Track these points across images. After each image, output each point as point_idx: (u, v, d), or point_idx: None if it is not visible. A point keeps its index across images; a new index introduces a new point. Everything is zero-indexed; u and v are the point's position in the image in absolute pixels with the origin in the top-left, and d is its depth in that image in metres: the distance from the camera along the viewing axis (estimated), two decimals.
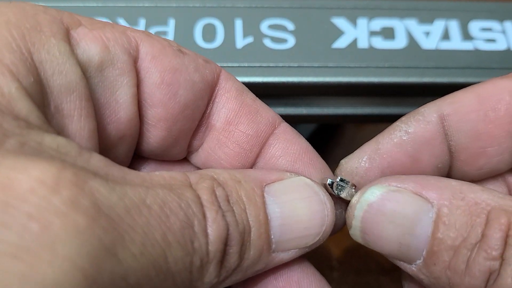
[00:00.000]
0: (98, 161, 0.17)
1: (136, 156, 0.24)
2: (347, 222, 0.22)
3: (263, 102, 0.24)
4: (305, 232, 0.21)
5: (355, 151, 0.23)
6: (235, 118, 0.23)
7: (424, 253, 0.20)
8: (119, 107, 0.21)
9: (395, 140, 0.23)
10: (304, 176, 0.21)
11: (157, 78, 0.21)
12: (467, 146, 0.23)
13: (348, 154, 0.23)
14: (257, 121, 0.23)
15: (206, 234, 0.18)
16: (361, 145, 0.24)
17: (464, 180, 0.21)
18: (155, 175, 0.18)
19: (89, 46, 0.20)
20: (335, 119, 0.36)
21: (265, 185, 0.20)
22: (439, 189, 0.20)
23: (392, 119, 0.25)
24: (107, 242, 0.15)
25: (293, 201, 0.21)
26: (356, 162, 0.23)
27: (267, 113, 0.23)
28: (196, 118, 0.23)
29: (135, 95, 0.21)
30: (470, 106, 0.23)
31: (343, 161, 0.23)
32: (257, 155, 0.23)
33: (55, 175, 0.15)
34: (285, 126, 0.24)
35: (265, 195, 0.20)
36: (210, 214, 0.18)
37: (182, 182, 0.18)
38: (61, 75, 0.19)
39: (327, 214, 0.21)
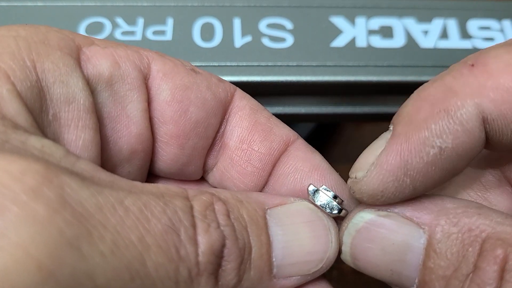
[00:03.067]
0: (85, 165, 0.17)
1: (154, 176, 0.24)
2: (339, 246, 0.20)
3: (279, 120, 0.24)
4: (308, 257, 0.20)
5: (369, 162, 0.19)
6: (248, 136, 0.23)
7: (416, 281, 0.19)
8: (130, 121, 0.21)
9: (428, 159, 0.18)
10: (308, 201, 0.21)
11: (168, 95, 0.22)
12: (508, 144, 0.19)
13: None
14: (270, 140, 0.23)
15: (195, 243, 0.17)
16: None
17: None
18: (149, 184, 0.18)
19: (100, 61, 0.20)
20: (334, 118, 0.36)
21: (267, 209, 0.20)
22: (432, 213, 0.19)
23: (390, 118, 0.24)
24: (69, 235, 0.14)
25: (296, 225, 0.20)
26: (382, 184, 0.19)
27: (280, 131, 0.23)
28: (210, 136, 0.23)
29: (145, 110, 0.22)
30: None
31: (361, 179, 0.19)
32: (270, 174, 0.23)
33: (23, 166, 0.14)
34: (299, 143, 0.23)
35: (267, 217, 0.20)
36: (202, 224, 0.17)
37: (177, 193, 0.18)
38: (62, 85, 0.19)
39: (331, 240, 0.20)
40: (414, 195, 0.19)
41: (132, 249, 0.15)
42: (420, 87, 0.20)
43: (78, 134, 0.19)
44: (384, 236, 0.19)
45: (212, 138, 0.23)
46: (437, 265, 0.18)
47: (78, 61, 0.20)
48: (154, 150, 0.23)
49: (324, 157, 0.23)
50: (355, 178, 0.19)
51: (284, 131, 0.23)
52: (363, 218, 0.20)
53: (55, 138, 0.19)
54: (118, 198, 0.16)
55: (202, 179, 0.25)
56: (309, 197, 0.21)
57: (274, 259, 0.19)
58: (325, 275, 0.21)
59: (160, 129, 0.22)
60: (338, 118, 0.36)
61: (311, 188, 0.21)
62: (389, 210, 0.19)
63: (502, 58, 0.18)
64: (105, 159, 0.21)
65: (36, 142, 0.16)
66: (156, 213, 0.16)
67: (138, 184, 0.17)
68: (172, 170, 0.23)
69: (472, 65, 0.19)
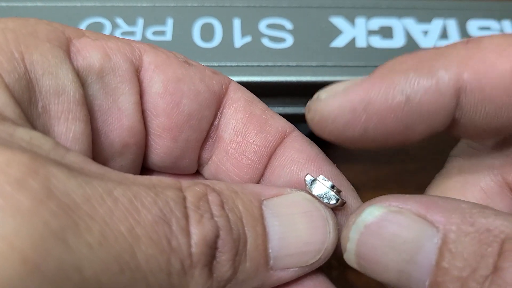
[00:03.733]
0: (74, 157, 0.16)
1: (148, 170, 0.24)
2: (342, 244, 0.19)
3: (274, 112, 0.23)
4: (305, 248, 0.19)
5: (338, 90, 0.19)
6: (243, 129, 0.23)
7: (426, 283, 0.18)
8: (121, 114, 0.21)
9: (392, 104, 0.18)
10: (305, 191, 0.20)
11: (160, 88, 0.21)
12: (480, 126, 0.19)
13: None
14: (265, 131, 0.22)
15: (187, 234, 0.17)
16: None
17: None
18: (141, 176, 0.17)
19: (90, 53, 0.20)
20: None
21: (264, 200, 0.19)
22: (446, 212, 0.18)
23: None
24: (55, 227, 0.14)
25: (293, 215, 0.19)
26: (338, 109, 0.18)
27: (276, 123, 0.23)
28: (204, 129, 0.23)
29: (137, 103, 0.21)
30: (503, 84, 0.18)
31: (322, 99, 0.19)
32: (266, 166, 0.23)
33: (8, 157, 0.14)
34: (295, 135, 0.23)
35: (263, 208, 0.19)
36: (194, 215, 0.17)
37: (169, 184, 0.17)
38: (51, 76, 0.19)
39: (329, 231, 0.20)
40: (360, 142, 0.19)
41: (122, 241, 0.15)
42: (415, 52, 0.20)
43: (68, 126, 0.19)
44: (395, 233, 0.18)
45: (206, 131, 0.23)
46: (453, 265, 0.17)
47: (68, 53, 0.20)
48: (147, 143, 0.22)
49: None
50: (317, 97, 0.19)
51: (280, 123, 0.23)
52: (372, 213, 0.19)
53: (45, 131, 0.19)
54: (107, 188, 0.15)
55: (197, 173, 0.24)
56: (306, 187, 0.20)
57: (270, 250, 0.19)
58: (325, 274, 0.21)
59: (152, 122, 0.22)
60: None
61: (308, 178, 0.20)
62: (400, 206, 0.18)
63: (496, 40, 0.19)
64: (97, 152, 0.21)
65: (24, 134, 0.16)
66: (146, 203, 0.16)
67: (130, 176, 0.17)
68: (166, 163, 0.23)
69: (467, 42, 0.19)
